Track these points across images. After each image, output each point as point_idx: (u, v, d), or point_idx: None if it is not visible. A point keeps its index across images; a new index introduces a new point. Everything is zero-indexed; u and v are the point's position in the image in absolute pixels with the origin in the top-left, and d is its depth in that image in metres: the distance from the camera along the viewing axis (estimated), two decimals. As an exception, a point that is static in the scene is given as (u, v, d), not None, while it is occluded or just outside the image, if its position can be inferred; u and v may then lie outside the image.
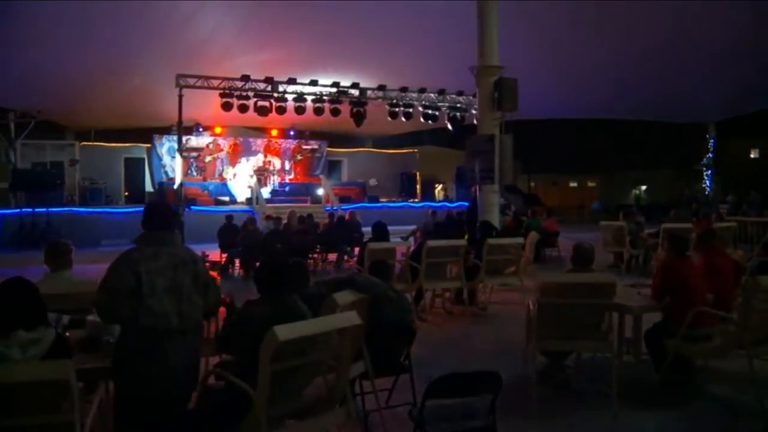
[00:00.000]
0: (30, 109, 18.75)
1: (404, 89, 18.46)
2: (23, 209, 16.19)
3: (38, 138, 19.99)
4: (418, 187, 25.79)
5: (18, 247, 14.83)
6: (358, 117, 17.92)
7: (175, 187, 17.61)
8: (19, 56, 14.71)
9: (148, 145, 21.85)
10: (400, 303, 4.48)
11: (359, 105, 17.87)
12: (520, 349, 5.26)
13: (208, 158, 22.32)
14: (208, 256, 10.78)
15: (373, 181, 23.94)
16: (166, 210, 3.37)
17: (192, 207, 17.43)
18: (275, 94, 16.94)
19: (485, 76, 11.07)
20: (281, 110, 17.06)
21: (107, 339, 3.38)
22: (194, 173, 21.87)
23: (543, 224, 13.38)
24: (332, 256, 12.55)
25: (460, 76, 12.30)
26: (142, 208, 3.40)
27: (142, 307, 2.99)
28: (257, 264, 4.08)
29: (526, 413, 4.29)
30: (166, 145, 21.57)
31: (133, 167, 21.90)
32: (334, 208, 18.58)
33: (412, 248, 8.54)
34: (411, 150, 27.30)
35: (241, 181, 22.02)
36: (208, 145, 22.32)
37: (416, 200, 23.31)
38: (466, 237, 9.40)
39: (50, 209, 16.01)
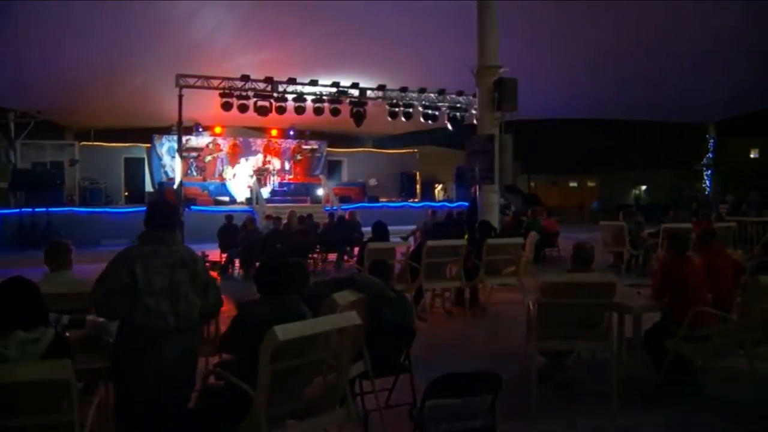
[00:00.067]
0: (30, 109, 18.75)
1: (404, 89, 18.45)
2: (23, 209, 16.19)
3: (38, 138, 20.00)
4: (418, 187, 25.80)
5: (18, 247, 14.83)
6: (358, 117, 17.92)
7: (175, 187, 17.62)
8: (19, 56, 14.70)
9: (148, 145, 21.86)
10: (400, 303, 4.48)
11: (359, 105, 17.86)
12: (520, 349, 5.26)
13: (208, 158, 22.32)
14: (207, 256, 10.78)
15: (373, 181, 23.95)
16: (168, 209, 3.38)
17: (192, 207, 17.44)
18: (275, 94, 16.94)
19: (485, 76, 11.07)
20: (281, 110, 17.06)
21: (107, 339, 3.38)
22: (194, 173, 21.87)
23: (543, 224, 13.38)
24: (332, 256, 12.56)
25: (460, 76, 12.29)
26: (141, 208, 3.42)
27: (137, 306, 3.00)
28: (257, 264, 4.08)
29: (526, 413, 4.30)
30: (166, 145, 21.57)
31: (133, 167, 21.91)
32: (334, 208, 18.58)
33: (411, 248, 8.54)
34: (411, 150, 27.31)
35: (240, 181, 22.02)
36: (207, 145, 22.32)
37: (416, 200, 23.32)
38: (466, 237, 9.39)
39: (50, 209, 16.00)
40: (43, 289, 2.99)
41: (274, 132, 23.94)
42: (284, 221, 12.46)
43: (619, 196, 35.90)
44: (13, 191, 17.54)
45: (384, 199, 22.14)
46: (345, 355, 3.19)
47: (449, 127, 19.61)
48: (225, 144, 22.66)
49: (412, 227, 14.97)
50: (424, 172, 26.36)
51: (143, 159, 22.02)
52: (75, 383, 2.64)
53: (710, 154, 25.55)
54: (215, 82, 16.26)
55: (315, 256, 12.08)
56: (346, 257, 12.44)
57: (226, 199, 20.57)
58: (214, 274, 7.08)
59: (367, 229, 11.05)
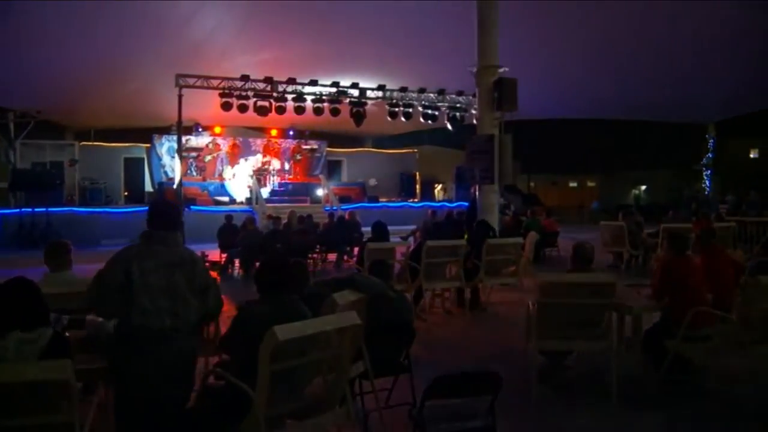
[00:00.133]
0: (29, 109, 18.75)
1: (404, 89, 18.46)
2: (23, 209, 16.18)
3: (38, 138, 19.99)
4: (417, 187, 25.81)
5: (18, 247, 14.82)
6: (358, 117, 17.92)
7: (175, 186, 17.62)
8: (19, 56, 14.70)
9: (148, 145, 21.85)
10: (400, 303, 4.48)
11: (359, 105, 17.86)
12: (520, 349, 5.26)
13: (207, 158, 22.31)
14: (207, 256, 10.78)
15: (372, 181, 23.96)
16: (170, 210, 3.36)
17: (192, 207, 17.44)
18: (275, 94, 16.93)
19: (485, 76, 11.06)
20: (281, 110, 17.05)
21: (106, 339, 3.38)
22: (194, 173, 21.86)
23: (543, 224, 13.39)
24: (332, 256, 12.56)
25: (460, 76, 12.30)
26: (141, 208, 3.43)
27: (133, 306, 3.00)
28: (257, 264, 4.07)
29: (526, 413, 4.30)
30: (165, 145, 21.56)
31: (133, 167, 21.90)
32: (334, 208, 18.58)
33: (411, 248, 8.53)
34: (411, 150, 27.31)
35: (239, 181, 22.02)
36: (207, 145, 22.32)
37: (416, 200, 23.33)
38: (466, 237, 9.39)
39: (50, 209, 16.00)
40: (43, 289, 3.00)
41: (273, 132, 23.93)
42: (284, 221, 12.47)
43: (618, 196, 35.93)
44: (12, 191, 17.54)
45: (384, 199, 22.15)
46: (345, 355, 3.19)
47: (449, 127, 19.61)
48: (225, 144, 22.65)
49: (412, 227, 14.98)
50: (424, 172, 26.36)
51: (143, 159, 22.01)
52: (75, 383, 2.64)
53: (710, 154, 25.56)
54: (215, 82, 16.26)
55: (315, 256, 12.08)
56: (345, 257, 12.44)
57: (226, 199, 20.57)
58: (213, 274, 7.07)
59: (366, 229, 11.05)
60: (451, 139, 23.36)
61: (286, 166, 23.84)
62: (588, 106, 22.30)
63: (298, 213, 13.59)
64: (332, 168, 25.33)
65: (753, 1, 13.82)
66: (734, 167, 30.41)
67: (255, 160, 22.99)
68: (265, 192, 20.87)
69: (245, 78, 16.37)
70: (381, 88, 18.21)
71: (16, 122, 19.10)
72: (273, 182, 22.61)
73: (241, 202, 20.42)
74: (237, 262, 11.70)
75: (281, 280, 3.42)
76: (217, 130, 22.28)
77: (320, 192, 22.00)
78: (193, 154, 21.90)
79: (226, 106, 16.34)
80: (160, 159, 21.68)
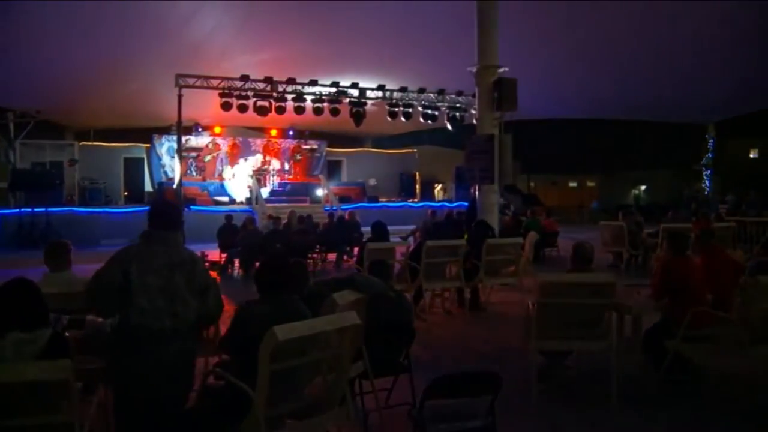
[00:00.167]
0: (29, 109, 18.73)
1: (403, 89, 18.46)
2: (22, 209, 16.17)
3: (37, 138, 19.97)
4: (417, 187, 25.81)
5: (17, 247, 14.82)
6: (358, 117, 17.91)
7: (174, 186, 17.61)
8: (19, 56, 14.70)
9: (148, 145, 21.84)
10: (400, 303, 4.48)
11: (358, 105, 17.86)
12: (519, 349, 5.26)
13: (207, 158, 22.31)
14: (207, 256, 10.78)
15: (372, 181, 23.96)
16: (170, 210, 3.36)
17: (191, 207, 17.44)
18: (274, 94, 16.93)
19: (485, 76, 11.06)
20: (280, 110, 17.05)
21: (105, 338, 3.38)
22: (194, 173, 21.86)
23: (542, 224, 13.39)
24: (332, 256, 12.56)
25: (460, 75, 12.29)
26: (141, 208, 3.44)
27: (131, 306, 3.00)
28: (257, 264, 4.07)
29: (526, 413, 4.30)
30: (165, 145, 21.56)
31: (133, 167, 21.91)
32: (334, 208, 18.58)
33: (411, 248, 8.53)
34: (410, 150, 27.31)
35: (239, 181, 22.02)
36: (207, 145, 22.32)
37: (416, 200, 23.33)
38: (466, 237, 9.39)
39: (50, 209, 15.99)
40: (43, 289, 3.00)
41: (273, 132, 23.92)
42: (284, 221, 12.47)
43: (618, 196, 35.93)
44: (12, 191, 17.53)
45: (383, 199, 22.15)
46: (345, 355, 3.19)
47: (449, 127, 19.60)
48: (224, 144, 22.65)
49: (412, 227, 14.97)
50: (424, 172, 26.36)
51: (143, 159, 22.01)
52: (74, 383, 2.64)
53: (710, 154, 25.56)
54: (215, 82, 16.26)
55: (315, 256, 12.09)
56: (345, 257, 12.45)
57: (226, 199, 20.57)
58: (213, 274, 7.07)
59: (366, 229, 11.05)
60: (451, 139, 23.36)
61: (286, 166, 23.83)
62: (588, 106, 22.30)
63: (297, 213, 13.59)
64: (332, 168, 25.33)
65: (753, 1, 13.83)
66: (734, 167, 30.41)
67: (255, 160, 22.99)
68: (264, 192, 20.88)
69: (245, 78, 16.37)
70: (381, 88, 18.20)
71: (15, 122, 19.08)
72: (273, 182, 22.62)
73: (241, 202, 20.42)
74: (237, 262, 11.70)
75: (281, 280, 3.42)
76: (217, 130, 22.28)
77: (320, 192, 22.00)
78: (193, 154, 21.90)
79: (226, 106, 16.34)
80: (159, 159, 21.67)
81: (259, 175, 21.90)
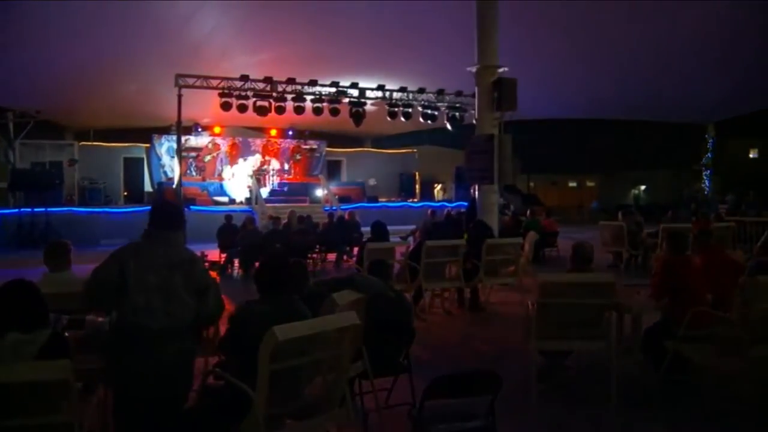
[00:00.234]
0: (29, 108, 18.74)
1: (403, 89, 18.46)
2: (22, 209, 16.16)
3: (37, 138, 19.98)
4: (417, 187, 25.81)
5: (17, 247, 14.82)
6: (357, 117, 17.92)
7: (174, 186, 17.61)
8: (19, 56, 14.69)
9: (147, 145, 21.85)
10: (400, 303, 4.48)
11: (358, 105, 17.86)
12: (519, 349, 5.26)
13: (207, 158, 22.31)
14: (207, 256, 10.77)
15: (372, 181, 23.96)
16: (171, 209, 3.36)
17: (191, 207, 17.43)
18: (274, 94, 16.93)
19: (484, 76, 11.05)
20: (280, 110, 17.05)
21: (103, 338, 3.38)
22: (193, 173, 21.86)
23: (542, 224, 13.38)
24: (332, 256, 12.57)
25: (459, 76, 12.29)
26: (141, 208, 3.44)
27: (127, 304, 3.00)
28: (257, 264, 4.07)
29: (526, 413, 4.30)
30: (165, 145, 21.56)
31: (133, 167, 21.92)
32: (334, 208, 18.58)
33: (411, 248, 8.53)
34: (410, 150, 27.31)
35: (239, 181, 22.01)
36: (207, 145, 22.32)
37: (415, 200, 23.34)
38: (465, 237, 9.39)
39: (49, 209, 15.99)
40: (43, 289, 3.00)
41: (273, 132, 23.92)
42: (284, 221, 12.46)
43: (618, 196, 35.92)
44: (12, 191, 17.53)
45: (383, 199, 22.16)
46: (344, 355, 3.19)
47: (448, 127, 19.60)
48: (224, 144, 22.65)
49: (412, 227, 14.97)
50: (424, 172, 26.37)
51: (142, 159, 22.02)
52: (74, 383, 2.63)
53: (710, 154, 25.55)
54: (214, 82, 16.26)
55: (315, 256, 12.09)
56: (345, 257, 12.45)
57: (225, 199, 20.57)
58: (213, 274, 7.07)
59: (366, 229, 11.05)
60: (450, 139, 23.37)
61: (286, 166, 23.83)
62: (588, 106, 22.30)
63: (297, 213, 13.58)
64: (332, 168, 25.33)
65: (753, 1, 13.83)
66: (734, 167, 30.42)
67: (254, 160, 22.98)
68: (264, 192, 20.88)
69: (245, 78, 16.37)
70: (380, 88, 18.20)
71: (15, 122, 19.08)
72: (272, 182, 22.62)
73: (241, 202, 20.42)
74: (236, 262, 11.69)
75: (281, 280, 3.42)
76: (217, 130, 22.27)
77: (320, 192, 22.00)
78: (193, 154, 21.90)
79: (226, 106, 16.33)
80: (159, 159, 21.67)
81: (259, 175, 21.90)
